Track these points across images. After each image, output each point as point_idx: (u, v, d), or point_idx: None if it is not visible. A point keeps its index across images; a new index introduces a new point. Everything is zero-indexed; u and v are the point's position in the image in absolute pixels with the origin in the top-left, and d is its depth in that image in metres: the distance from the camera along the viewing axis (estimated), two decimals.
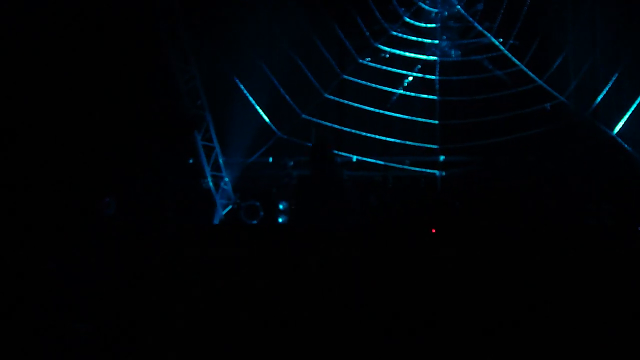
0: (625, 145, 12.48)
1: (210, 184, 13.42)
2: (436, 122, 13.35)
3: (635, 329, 8.03)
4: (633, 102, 12.39)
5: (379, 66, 13.69)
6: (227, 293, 9.08)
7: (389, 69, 13.69)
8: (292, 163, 13.65)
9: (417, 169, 13.50)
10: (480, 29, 13.38)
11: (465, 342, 7.91)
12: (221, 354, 7.99)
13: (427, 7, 13.66)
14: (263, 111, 13.52)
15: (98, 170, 12.49)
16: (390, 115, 13.50)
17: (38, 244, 10.36)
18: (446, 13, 13.65)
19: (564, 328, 8.05)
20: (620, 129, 12.58)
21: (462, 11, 13.52)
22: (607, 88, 12.50)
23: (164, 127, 13.07)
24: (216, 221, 13.24)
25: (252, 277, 9.49)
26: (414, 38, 13.70)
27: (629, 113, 12.45)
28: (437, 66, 13.53)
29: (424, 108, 13.48)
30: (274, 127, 13.53)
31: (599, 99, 12.61)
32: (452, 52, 13.68)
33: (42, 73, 12.10)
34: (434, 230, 10.55)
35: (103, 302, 8.95)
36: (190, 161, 13.50)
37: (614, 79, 12.42)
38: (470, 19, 13.43)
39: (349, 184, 12.25)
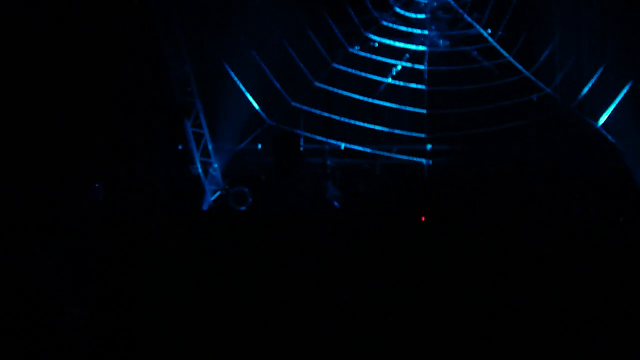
0: (609, 137, 12.53)
1: (200, 170, 13.42)
2: (424, 111, 13.39)
3: (620, 318, 8.13)
4: (618, 95, 12.45)
5: (368, 55, 13.71)
6: (217, 279, 9.13)
7: (379, 58, 13.72)
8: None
9: (404, 157, 13.54)
10: (469, 19, 13.42)
11: (457, 332, 7.98)
12: (215, 337, 8.01)
13: None
14: (253, 98, 13.52)
15: (86, 157, 12.46)
16: (379, 104, 13.55)
17: (27, 231, 10.35)
18: (435, 4, 13.69)
19: (552, 317, 8.13)
20: (605, 120, 12.65)
21: (452, 2, 13.55)
22: (592, 80, 12.57)
23: (154, 114, 13.06)
24: (205, 207, 13.24)
25: (242, 263, 9.54)
26: (404, 28, 13.73)
27: (613, 105, 12.51)
28: (426, 56, 13.57)
29: (413, 97, 13.52)
30: (263, 115, 13.53)
31: (584, 91, 12.68)
32: (441, 42, 13.73)
33: (27, 58, 12.02)
34: (423, 218, 10.62)
35: (96, 287, 8.97)
36: (180, 147, 13.49)
37: (599, 71, 12.48)
38: (460, 9, 13.46)
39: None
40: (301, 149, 13.65)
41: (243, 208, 13.04)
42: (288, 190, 12.33)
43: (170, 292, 8.92)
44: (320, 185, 13.01)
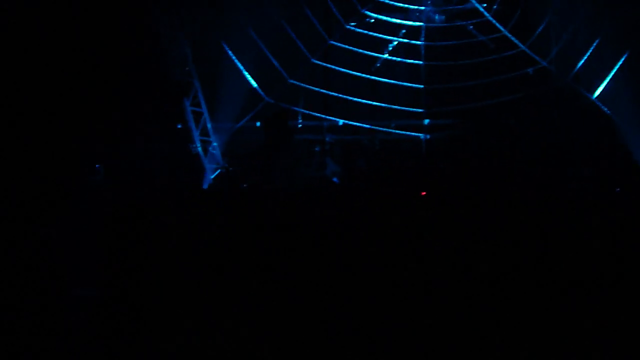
0: (605, 109, 12.64)
1: (199, 148, 13.50)
2: (421, 86, 13.47)
3: (618, 290, 8.26)
4: (613, 67, 12.52)
5: (365, 32, 13.75)
6: (218, 257, 9.24)
7: (376, 34, 13.76)
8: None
9: (402, 132, 13.63)
10: None
11: (457, 308, 8.10)
12: (217, 315, 8.13)
13: None
14: (251, 77, 13.57)
15: (87, 137, 12.54)
16: (377, 80, 13.61)
17: (30, 212, 10.45)
18: None
19: (549, 290, 8.25)
20: (600, 93, 12.74)
21: None
22: (588, 53, 12.63)
23: (153, 94, 13.11)
24: (205, 185, 13.34)
25: (244, 238, 9.65)
26: (401, 4, 13.77)
27: (608, 78, 12.60)
28: (423, 31, 13.61)
29: (410, 73, 13.59)
30: (262, 93, 13.59)
31: (580, 64, 12.75)
32: (437, 16, 13.76)
33: (28, 41, 12.07)
34: (423, 193, 10.74)
35: (99, 267, 9.08)
36: (179, 126, 13.55)
37: (594, 44, 12.54)
38: None
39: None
40: (299, 125, 13.80)
41: (244, 185, 13.12)
42: (279, 167, 12.67)
43: (173, 270, 9.06)
44: (313, 161, 13.27)
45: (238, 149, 13.64)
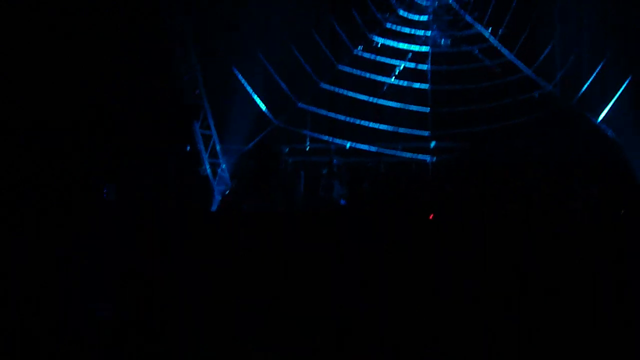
0: (609, 132, 12.71)
1: (208, 170, 13.61)
2: (428, 109, 13.57)
3: (619, 306, 8.31)
4: (617, 91, 12.60)
5: (373, 57, 13.91)
6: (227, 276, 9.31)
7: (383, 59, 13.92)
8: (287, 150, 13.88)
9: (409, 154, 13.72)
10: (470, 20, 13.58)
11: (463, 326, 8.15)
12: (226, 329, 8.20)
13: (419, 1, 13.92)
14: (260, 100, 13.73)
15: (100, 158, 12.67)
16: (384, 104, 13.74)
17: (44, 230, 10.54)
18: (437, 3, 13.85)
19: (552, 306, 8.30)
20: (604, 116, 12.81)
21: (452, 3, 13.75)
22: (592, 77, 12.72)
23: (164, 116, 13.25)
24: (214, 207, 13.42)
25: (250, 259, 9.73)
26: (407, 30, 13.94)
27: (612, 101, 12.67)
28: (429, 56, 13.77)
29: (417, 96, 13.71)
30: (270, 116, 13.75)
31: (584, 87, 12.83)
32: (442, 41, 13.89)
33: (43, 61, 12.23)
34: (431, 216, 10.78)
35: (114, 285, 9.16)
36: (188, 148, 13.67)
37: (599, 68, 12.63)
38: (460, 10, 13.63)
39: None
40: (307, 148, 13.92)
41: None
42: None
43: (185, 287, 9.14)
44: (320, 183, 13.39)
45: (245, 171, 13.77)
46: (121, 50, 12.54)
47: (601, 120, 12.80)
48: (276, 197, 12.94)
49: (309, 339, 8.08)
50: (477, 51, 13.62)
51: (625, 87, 12.52)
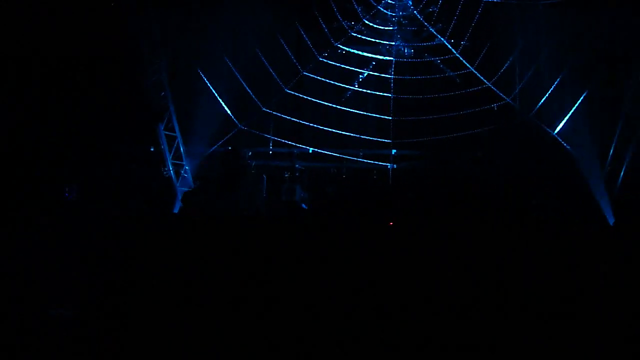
0: (565, 144, 12.97)
1: (172, 172, 13.60)
2: (390, 117, 13.73)
3: (576, 306, 8.50)
4: (573, 105, 12.86)
5: (337, 64, 14.03)
6: (187, 279, 9.31)
7: (347, 67, 14.05)
8: (250, 153, 13.91)
9: (370, 161, 13.86)
10: (434, 31, 13.76)
11: (425, 331, 8.25)
12: (192, 330, 8.18)
13: (385, 11, 14.04)
14: (225, 104, 13.76)
15: (63, 157, 12.58)
16: (347, 110, 13.85)
17: (6, 229, 10.43)
18: (402, 13, 14.00)
19: (514, 317, 8.45)
20: (560, 129, 13.07)
21: (417, 14, 13.92)
22: (550, 91, 12.96)
23: (128, 117, 13.19)
24: (176, 208, 13.40)
25: (215, 263, 9.73)
26: (372, 39, 14.08)
27: (569, 115, 12.94)
28: (392, 65, 13.92)
29: (380, 104, 13.84)
30: (235, 119, 13.79)
31: (542, 101, 13.08)
32: (406, 51, 14.04)
33: (7, 60, 12.15)
34: (391, 224, 10.90)
35: (75, 287, 9.09)
36: (152, 149, 13.63)
37: (556, 82, 12.89)
38: (424, 22, 13.80)
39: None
40: (270, 152, 14.00)
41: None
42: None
43: (146, 289, 9.11)
44: (282, 187, 13.46)
45: (210, 173, 13.76)
46: (87, 50, 12.47)
47: (557, 133, 13.04)
48: (240, 200, 12.99)
49: (264, 341, 8.13)
50: (439, 61, 13.80)
51: (581, 101, 12.78)
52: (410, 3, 13.98)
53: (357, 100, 13.95)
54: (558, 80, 12.84)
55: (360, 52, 14.08)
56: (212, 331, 8.22)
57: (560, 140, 13.01)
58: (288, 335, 8.19)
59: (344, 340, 8.18)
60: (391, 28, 14.01)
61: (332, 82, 13.90)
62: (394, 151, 13.76)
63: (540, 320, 8.23)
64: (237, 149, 13.41)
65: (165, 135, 13.49)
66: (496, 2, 13.03)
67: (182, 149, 13.72)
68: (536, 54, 13.03)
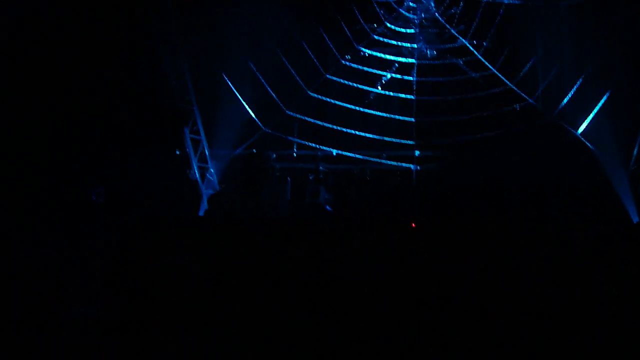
0: (589, 144, 12.90)
1: (197, 174, 13.72)
2: (412, 119, 13.74)
3: (592, 311, 8.48)
4: (597, 104, 12.80)
5: (360, 67, 14.09)
6: (215, 279, 9.40)
7: (370, 69, 14.10)
8: (274, 156, 14.01)
9: (393, 162, 13.88)
10: (455, 33, 13.77)
11: (445, 334, 8.28)
12: (215, 333, 8.28)
13: (407, 14, 14.08)
14: (249, 107, 13.86)
15: (90, 161, 12.76)
16: (370, 112, 13.89)
17: (33, 232, 10.63)
18: (424, 15, 14.03)
19: (535, 318, 8.44)
20: (584, 129, 13.01)
21: (438, 16, 13.95)
22: (572, 91, 12.94)
23: (154, 121, 13.35)
24: (202, 211, 13.53)
25: (237, 264, 9.81)
26: (394, 41, 14.12)
27: (592, 114, 12.88)
28: (415, 68, 13.95)
29: (402, 106, 13.88)
30: (259, 122, 13.89)
31: (565, 101, 13.05)
32: (428, 51, 14.06)
33: (37, 68, 12.33)
34: (413, 225, 10.88)
35: (99, 287, 9.23)
36: (177, 153, 13.78)
37: (579, 82, 12.86)
38: (446, 24, 13.82)
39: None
40: (294, 154, 14.07)
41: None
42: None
43: (171, 291, 9.22)
44: (307, 189, 13.53)
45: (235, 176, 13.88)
46: (112, 56, 12.65)
47: (581, 133, 12.99)
48: (265, 202, 13.09)
49: (297, 343, 8.21)
50: (461, 63, 13.80)
51: (605, 100, 12.71)
52: (433, 5, 13.99)
53: (379, 102, 13.98)
54: (580, 80, 12.81)
55: (382, 55, 14.12)
56: (236, 333, 8.31)
57: (583, 140, 12.94)
58: (313, 335, 8.27)
59: (367, 340, 8.24)
60: (413, 30, 14.04)
61: (355, 84, 13.95)
62: (417, 152, 13.77)
63: (566, 322, 8.23)
64: (260, 152, 13.52)
65: (190, 138, 13.61)
66: (517, 3, 13.02)
67: (207, 152, 13.83)
68: (558, 54, 12.99)
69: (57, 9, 12.19)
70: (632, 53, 12.47)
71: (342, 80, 13.98)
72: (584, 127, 12.98)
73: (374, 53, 14.14)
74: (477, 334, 8.25)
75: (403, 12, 14.02)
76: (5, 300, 8.95)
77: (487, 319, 8.46)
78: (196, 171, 13.71)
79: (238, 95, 13.72)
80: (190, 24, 13.32)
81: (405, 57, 14.04)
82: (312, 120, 13.92)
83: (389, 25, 14.09)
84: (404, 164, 13.82)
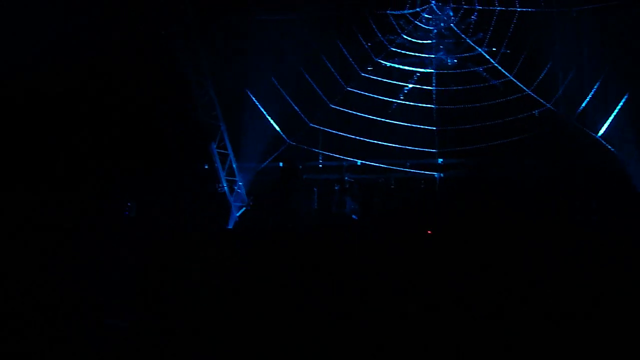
0: (609, 147, 12.87)
1: (225, 188, 13.93)
2: (434, 128, 13.83)
3: (620, 316, 8.49)
4: (616, 106, 12.77)
5: (379, 79, 14.19)
6: (241, 292, 9.56)
7: (389, 81, 14.20)
8: (300, 167, 14.17)
9: (417, 171, 13.96)
10: (471, 43, 13.83)
11: (463, 339, 8.35)
12: (241, 342, 8.42)
13: (423, 25, 14.22)
14: (274, 121, 14.06)
15: (122, 177, 13.04)
16: (392, 122, 13.96)
17: (67, 246, 10.87)
18: (442, 24, 14.11)
19: (558, 319, 8.48)
20: (604, 131, 12.97)
21: (455, 28, 14.03)
22: (591, 94, 12.93)
23: (182, 136, 13.60)
24: (231, 223, 13.73)
25: (267, 273, 9.97)
26: (412, 53, 14.25)
27: (612, 117, 12.85)
28: (434, 77, 14.04)
29: (424, 115, 13.93)
30: (284, 135, 14.07)
31: (584, 104, 13.04)
32: (449, 61, 14.14)
33: (72, 89, 12.68)
34: (429, 232, 10.97)
35: (131, 299, 9.43)
36: (206, 167, 14.00)
37: (597, 85, 12.84)
38: (462, 34, 13.89)
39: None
40: (319, 165, 14.23)
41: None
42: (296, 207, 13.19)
43: (201, 302, 9.40)
44: (333, 199, 13.68)
45: (262, 189, 14.04)
46: (142, 77, 12.93)
47: (601, 136, 12.96)
48: (297, 212, 13.25)
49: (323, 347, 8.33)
50: (481, 70, 13.83)
51: (624, 102, 12.68)
52: (452, 14, 14.07)
53: (401, 111, 14.06)
54: (598, 83, 12.79)
55: (401, 67, 14.25)
56: (267, 343, 8.45)
57: (604, 142, 12.91)
58: (341, 340, 8.40)
59: (391, 344, 8.34)
60: (430, 41, 14.13)
61: (376, 95, 14.05)
62: (440, 160, 13.83)
63: (593, 331, 8.25)
64: (291, 163, 13.66)
65: (218, 152, 13.81)
66: (531, 11, 13.05)
67: (234, 166, 14.02)
68: (575, 59, 13.00)
69: (90, 34, 12.49)
70: None
71: (362, 92, 14.09)
72: (604, 129, 12.94)
73: (395, 65, 14.27)
74: (498, 342, 8.30)
75: (419, 24, 14.13)
76: (37, 311, 9.15)
77: (511, 328, 8.50)
78: (225, 185, 13.89)
79: (262, 110, 13.93)
80: (214, 43, 13.54)
81: (425, 67, 14.13)
82: (335, 132, 14.05)
83: (405, 37, 14.21)
84: (427, 172, 13.91)
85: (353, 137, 13.93)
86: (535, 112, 13.23)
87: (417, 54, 14.22)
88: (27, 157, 12.44)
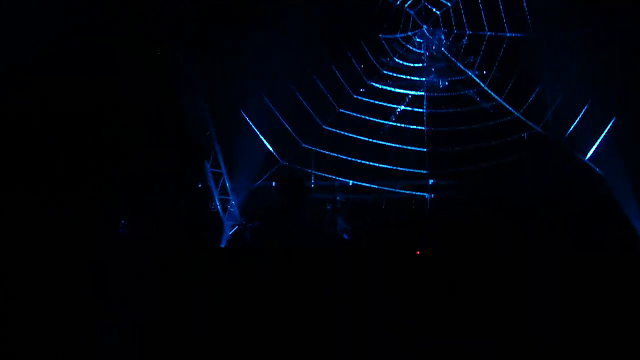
0: (597, 170, 12.97)
1: (219, 207, 13.96)
2: (424, 149, 13.93)
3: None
4: (603, 130, 12.87)
5: (371, 101, 14.36)
6: (234, 311, 9.55)
7: (381, 103, 14.37)
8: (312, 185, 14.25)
9: (408, 192, 14.07)
10: (462, 67, 13.98)
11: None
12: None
13: (414, 49, 14.40)
14: (267, 141, 14.13)
15: (114, 195, 13.03)
16: (383, 144, 14.10)
17: (60, 263, 10.83)
18: (434, 47, 14.27)
19: (553, 344, 8.49)
20: (592, 154, 13.07)
21: (445, 51, 14.23)
22: (579, 117, 13.01)
23: (175, 156, 13.62)
24: (223, 242, 13.74)
25: (259, 293, 9.96)
26: (404, 76, 14.43)
27: (599, 140, 12.95)
28: (424, 100, 14.20)
29: (414, 137, 14.09)
30: (276, 155, 14.14)
31: (572, 127, 13.12)
32: (440, 82, 14.28)
33: (60, 106, 12.68)
34: (417, 253, 11.00)
35: (124, 316, 9.41)
36: (199, 186, 14.02)
37: (585, 109, 12.94)
38: (453, 58, 14.05)
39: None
40: (312, 185, 14.28)
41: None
42: (292, 226, 13.15)
43: (193, 322, 9.39)
44: (322, 220, 13.70)
45: (255, 207, 14.06)
46: (135, 95, 12.96)
47: (589, 159, 13.05)
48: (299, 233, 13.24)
49: None
50: (472, 92, 13.96)
51: (611, 126, 12.77)
52: (443, 38, 14.22)
53: (392, 133, 14.20)
54: (586, 106, 12.88)
55: (393, 89, 14.40)
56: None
57: (592, 165, 13.00)
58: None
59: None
60: (421, 64, 14.28)
61: (368, 117, 14.20)
62: (431, 181, 13.90)
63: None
64: (297, 179, 13.64)
65: (211, 172, 13.85)
66: (519, 36, 13.20)
67: (227, 185, 14.05)
68: (564, 81, 13.11)
69: (79, 49, 12.50)
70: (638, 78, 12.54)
71: (354, 114, 14.23)
72: (592, 152, 13.03)
73: (386, 88, 14.40)
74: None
75: (411, 47, 14.27)
76: (33, 331, 9.13)
77: (502, 350, 8.51)
78: (218, 203, 13.91)
79: (256, 129, 14.00)
80: (206, 62, 13.62)
81: (417, 89, 14.26)
82: (327, 152, 14.14)
83: (397, 60, 14.38)
84: (418, 193, 13.99)
85: (345, 157, 14.04)
86: (524, 134, 13.37)
87: (409, 77, 14.38)
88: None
